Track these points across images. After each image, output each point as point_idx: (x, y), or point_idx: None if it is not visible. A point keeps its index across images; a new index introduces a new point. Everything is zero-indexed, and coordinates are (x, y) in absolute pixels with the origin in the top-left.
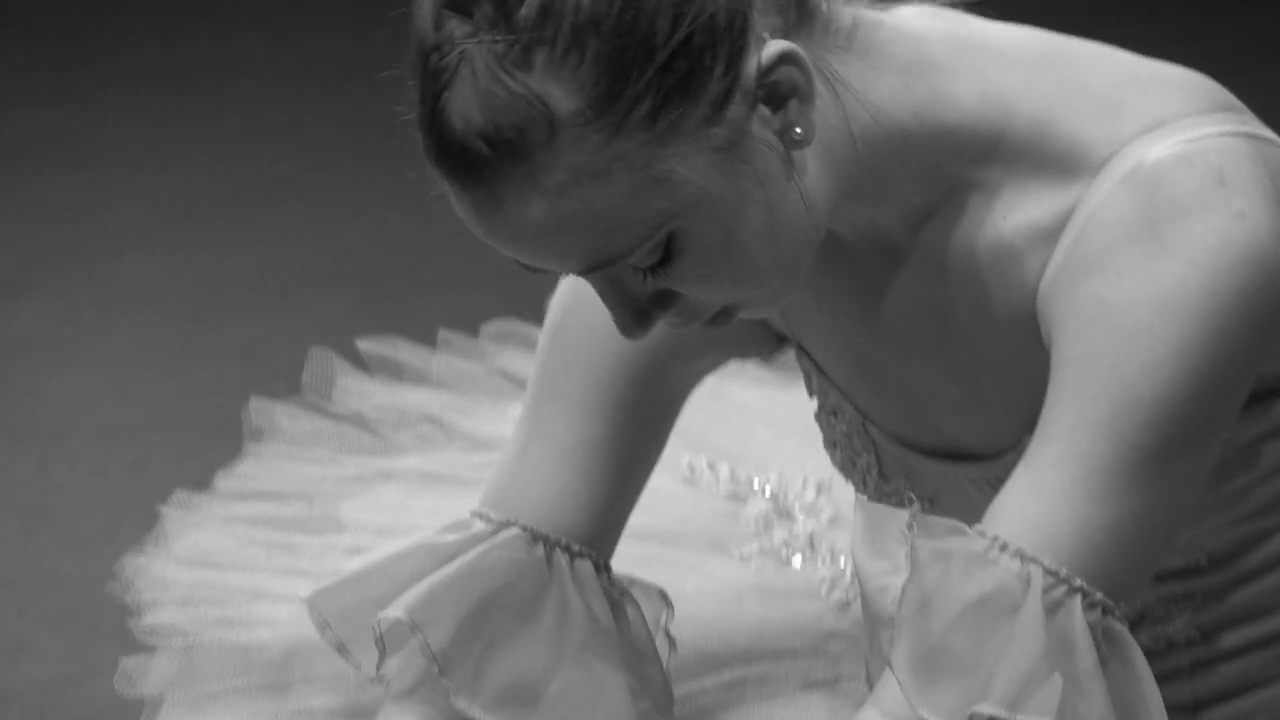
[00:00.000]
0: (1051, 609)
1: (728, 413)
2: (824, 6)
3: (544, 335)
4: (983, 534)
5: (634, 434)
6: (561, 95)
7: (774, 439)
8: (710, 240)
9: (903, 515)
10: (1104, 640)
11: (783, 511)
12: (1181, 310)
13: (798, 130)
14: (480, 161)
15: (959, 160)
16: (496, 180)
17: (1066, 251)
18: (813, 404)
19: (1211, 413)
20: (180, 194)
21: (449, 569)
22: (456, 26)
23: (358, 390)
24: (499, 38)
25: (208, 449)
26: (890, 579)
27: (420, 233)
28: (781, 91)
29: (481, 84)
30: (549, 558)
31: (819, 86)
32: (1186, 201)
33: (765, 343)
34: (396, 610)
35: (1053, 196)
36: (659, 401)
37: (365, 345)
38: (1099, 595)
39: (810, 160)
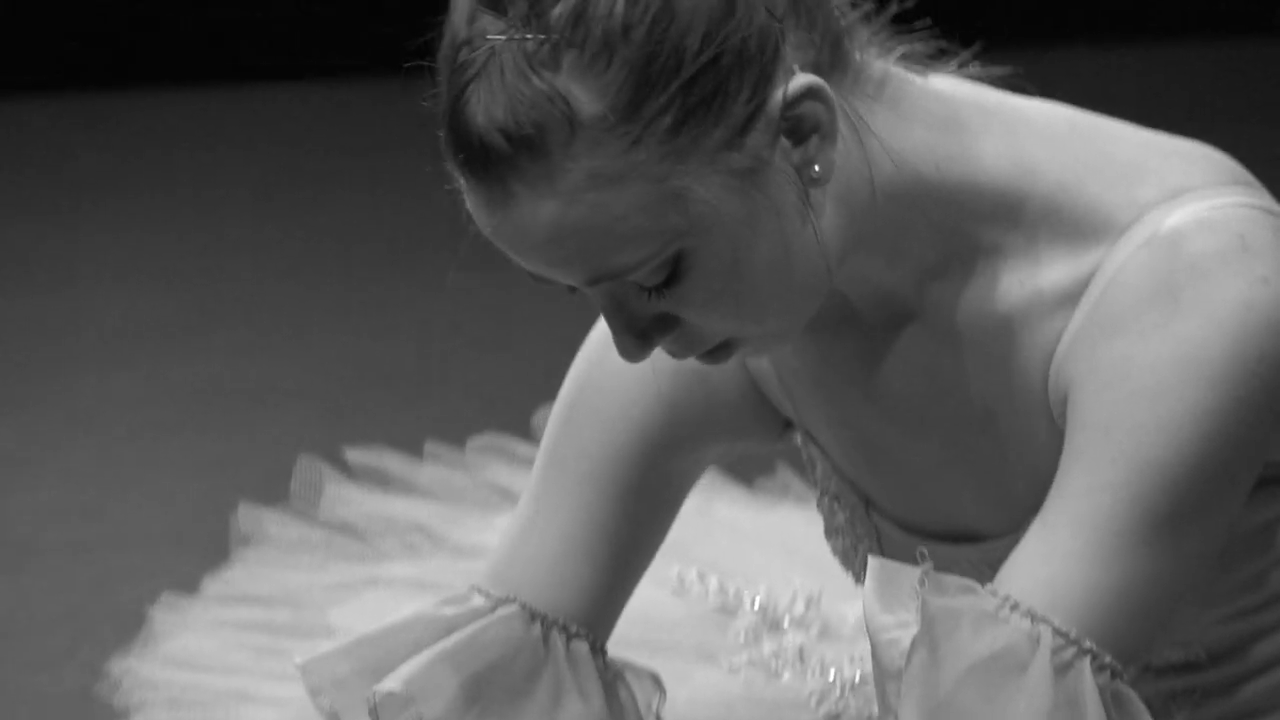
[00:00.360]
0: (1061, 670)
1: (715, 529)
2: (857, 55)
3: (554, 416)
4: (994, 593)
5: (638, 519)
6: (586, 98)
7: (762, 558)
8: (718, 265)
9: (914, 572)
10: (1113, 703)
11: (772, 624)
12: (1202, 372)
13: (816, 168)
14: (497, 156)
15: (979, 221)
16: (511, 177)
17: (1086, 314)
18: (813, 497)
19: (1227, 477)
20: (172, 306)
21: (446, 643)
22: (489, 23)
23: (345, 498)
24: (530, 36)
25: (195, 559)
26: (900, 633)
27: (407, 347)
28: (804, 126)
29: (507, 80)
30: (546, 637)
31: (843, 129)
32: (1210, 265)
33: (770, 427)
34: (393, 682)
35: (1072, 261)
36: (664, 487)
37: (353, 455)
38: (1108, 658)
39: (828, 202)
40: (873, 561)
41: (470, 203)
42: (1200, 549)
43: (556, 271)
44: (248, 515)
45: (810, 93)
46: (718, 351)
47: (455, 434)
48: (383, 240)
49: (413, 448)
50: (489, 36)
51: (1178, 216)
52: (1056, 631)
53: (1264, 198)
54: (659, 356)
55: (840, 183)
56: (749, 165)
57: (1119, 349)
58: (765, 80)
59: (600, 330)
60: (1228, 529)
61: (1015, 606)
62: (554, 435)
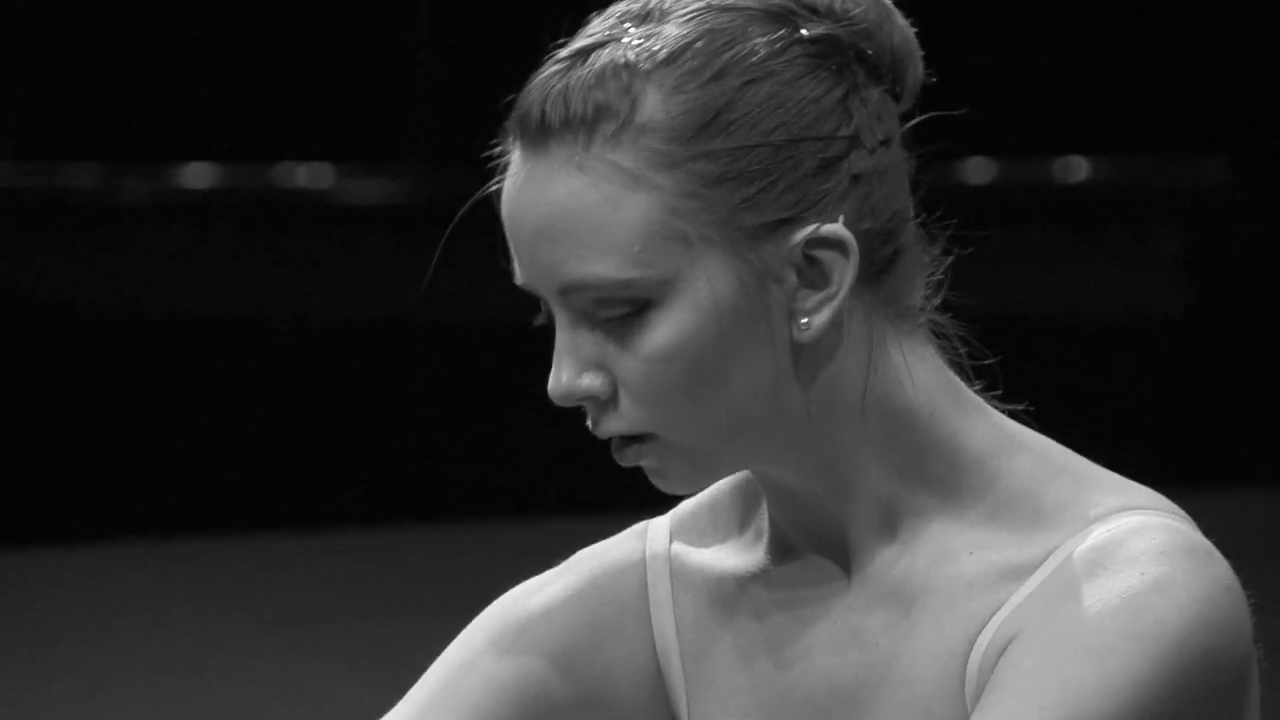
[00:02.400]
0: None
1: None
2: (905, 294)
3: (459, 641)
4: None
5: None
6: (652, 106)
7: None
8: (677, 338)
9: None
10: None
11: None
12: (1151, 647)
13: (805, 320)
14: (550, 121)
15: (949, 485)
16: (553, 142)
17: (1039, 585)
18: None
19: None
20: None
21: None
22: (616, 26)
23: None
24: (640, 44)
25: None
26: None
27: None
28: (817, 274)
29: (596, 68)
30: None
31: (858, 329)
32: (1176, 555)
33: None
34: None
35: (1029, 543)
36: None
37: None
38: None
39: (818, 375)
40: None
41: (510, 169)
42: None
43: (541, 261)
44: None
45: (839, 245)
46: (631, 445)
47: None
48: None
49: None
50: (611, 36)
51: (1143, 519)
52: None
53: None
54: (573, 600)
55: (834, 372)
56: (754, 269)
57: (1071, 609)
58: (808, 204)
59: (521, 588)
60: None
61: None
62: (454, 662)
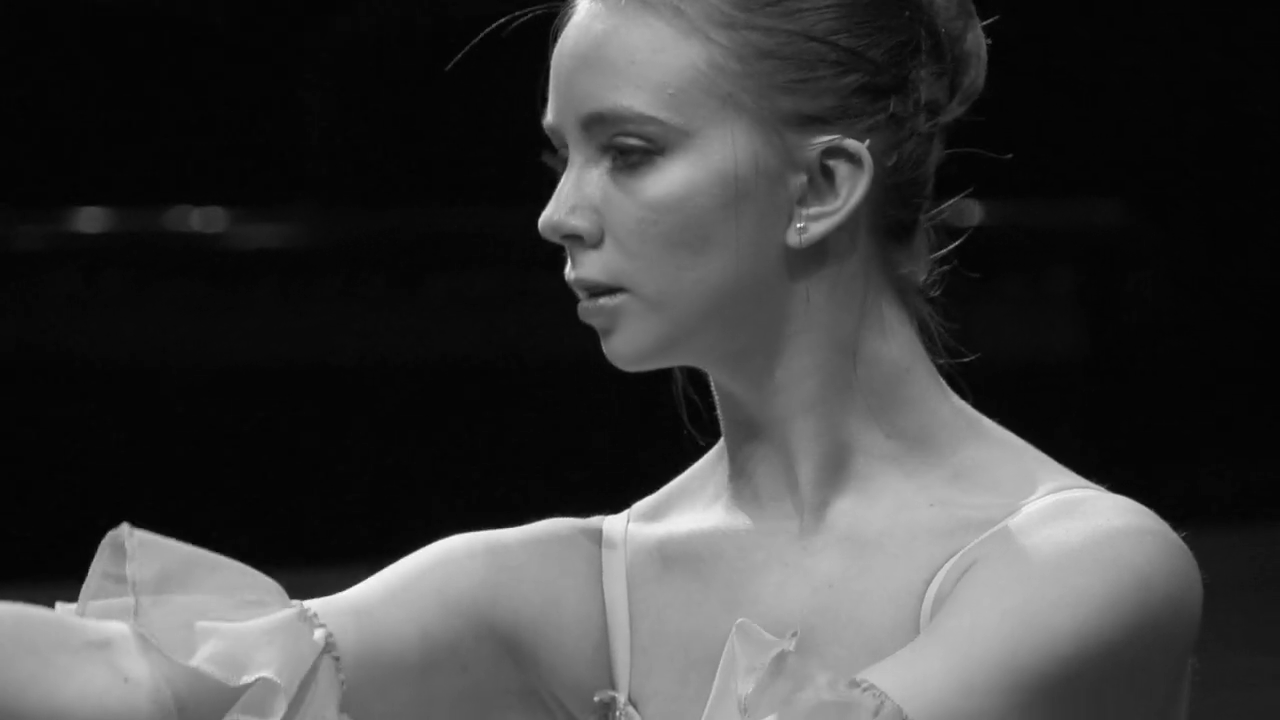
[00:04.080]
0: None
1: None
2: (909, 269)
3: (433, 546)
4: (855, 683)
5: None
6: None
7: None
8: (680, 191)
9: (780, 643)
10: None
11: None
12: (1114, 578)
13: (801, 225)
14: None
15: (911, 441)
16: None
17: (1001, 528)
18: None
19: (1099, 678)
20: None
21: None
22: None
23: None
24: None
25: None
26: (752, 676)
27: None
28: (827, 186)
29: None
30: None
31: (859, 273)
32: (1138, 514)
33: (595, 681)
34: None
35: (987, 504)
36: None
37: None
38: None
39: (804, 290)
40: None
41: (573, 12)
42: None
43: (576, 89)
44: None
45: (857, 161)
46: (599, 298)
47: None
48: None
49: None
50: None
51: (1101, 492)
52: (900, 712)
53: None
54: (534, 538)
55: (823, 299)
56: (777, 152)
57: (1035, 539)
58: (841, 114)
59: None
60: None
61: (869, 688)
62: (430, 555)
